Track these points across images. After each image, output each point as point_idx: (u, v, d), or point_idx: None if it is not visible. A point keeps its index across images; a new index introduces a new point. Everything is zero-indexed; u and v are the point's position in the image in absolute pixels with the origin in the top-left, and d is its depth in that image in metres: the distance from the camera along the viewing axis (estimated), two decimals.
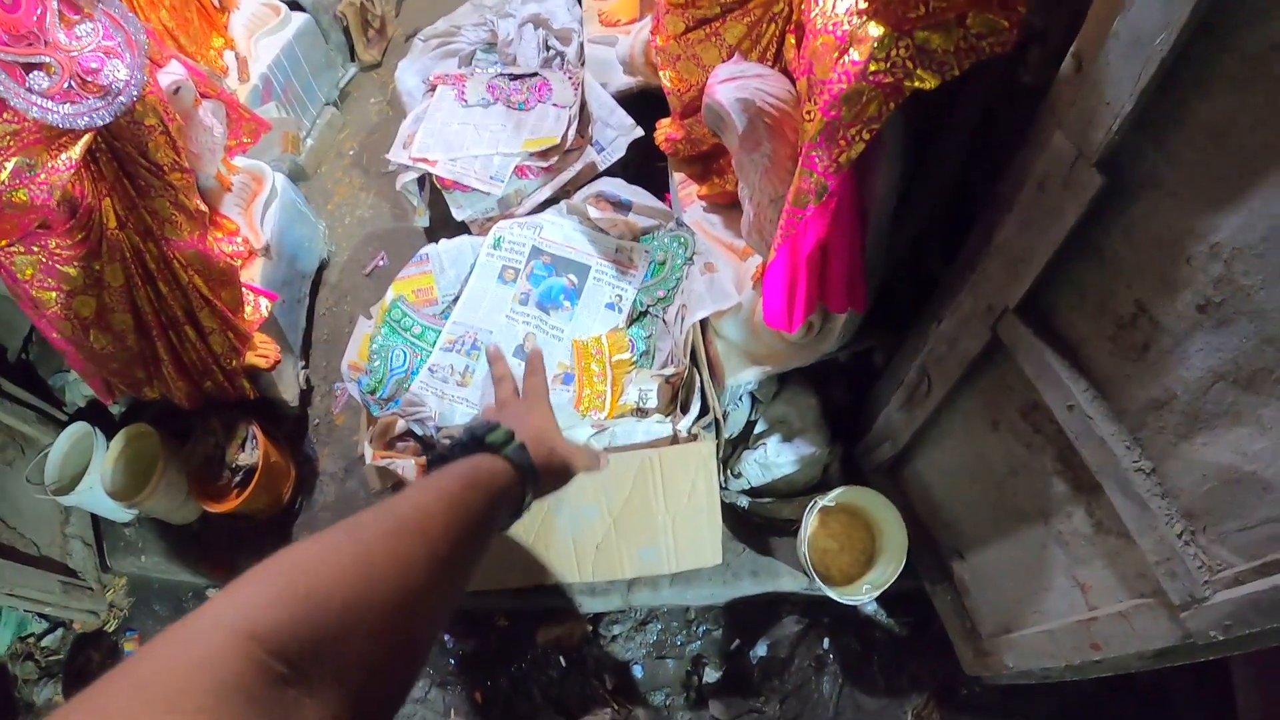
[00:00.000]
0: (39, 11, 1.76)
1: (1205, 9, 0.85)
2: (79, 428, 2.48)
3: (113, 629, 2.64)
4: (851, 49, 1.26)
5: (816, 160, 1.39)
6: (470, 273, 2.27)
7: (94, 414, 2.59)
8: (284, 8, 3.21)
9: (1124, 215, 1.08)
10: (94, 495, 2.36)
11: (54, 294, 1.98)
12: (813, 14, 1.38)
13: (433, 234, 2.65)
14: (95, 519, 2.64)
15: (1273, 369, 0.93)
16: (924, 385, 1.71)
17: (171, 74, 2.18)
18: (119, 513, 2.51)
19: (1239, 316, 0.95)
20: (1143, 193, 1.04)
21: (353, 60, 3.69)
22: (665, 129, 2.29)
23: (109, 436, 2.43)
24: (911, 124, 1.49)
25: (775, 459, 2.08)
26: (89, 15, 1.87)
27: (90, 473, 2.35)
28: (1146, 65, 0.93)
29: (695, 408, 1.96)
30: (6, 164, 1.72)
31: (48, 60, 1.75)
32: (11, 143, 1.72)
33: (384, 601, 0.57)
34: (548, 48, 2.86)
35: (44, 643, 2.61)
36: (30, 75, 1.72)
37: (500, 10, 3.00)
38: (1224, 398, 1.00)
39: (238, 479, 2.36)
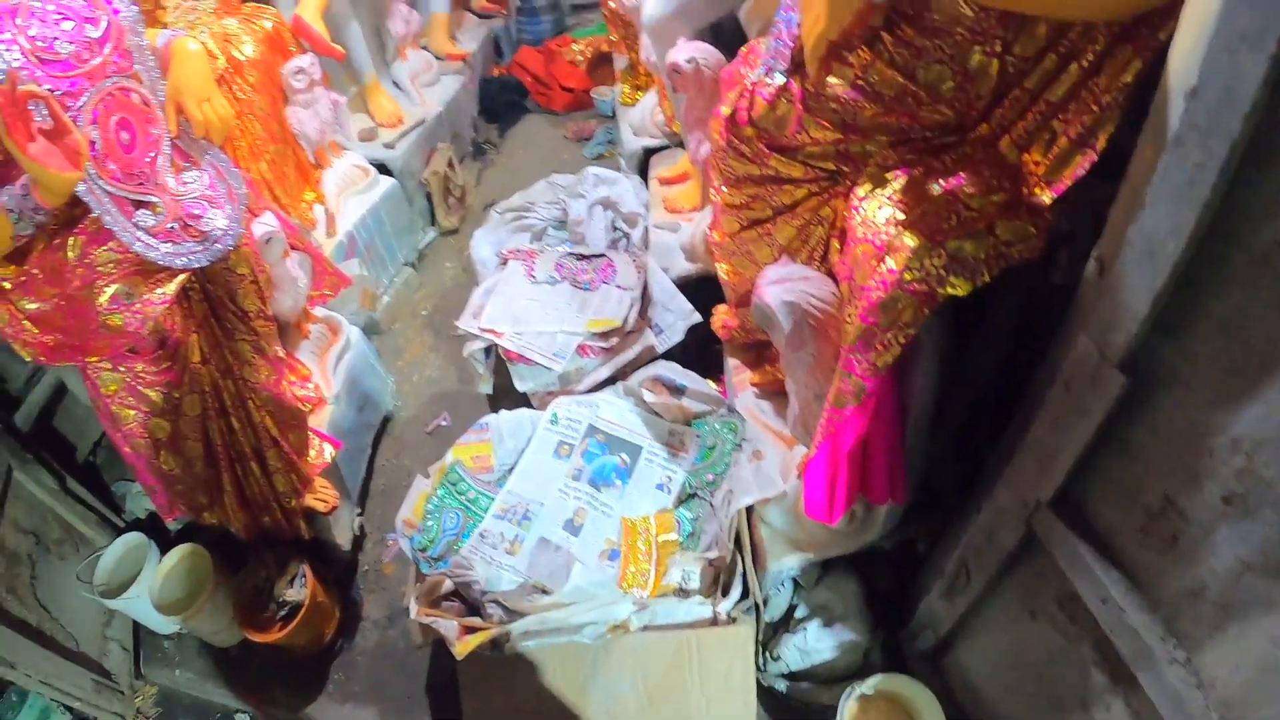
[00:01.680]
0: (152, 155, 1.91)
1: (1213, 213, 0.91)
2: (135, 537, 2.54)
3: None
4: (889, 257, 1.35)
5: (855, 363, 1.46)
6: (527, 445, 2.37)
7: (151, 527, 2.64)
8: (373, 170, 3.45)
9: (1148, 411, 1.12)
10: (140, 604, 2.41)
11: (133, 412, 2.08)
12: (855, 221, 1.48)
13: (495, 401, 2.78)
14: (137, 626, 2.66)
15: None
16: (964, 575, 1.73)
17: (265, 225, 2.34)
18: (162, 625, 2.54)
19: (1263, 507, 0.97)
20: (1164, 389, 1.08)
21: (433, 225, 3.91)
22: (722, 315, 2.40)
23: (163, 551, 2.49)
24: (950, 322, 1.58)
25: (815, 644, 2.09)
26: (197, 164, 2.04)
27: (140, 582, 2.40)
28: (1160, 269, 0.98)
29: (736, 591, 1.99)
30: (107, 289, 1.85)
31: (155, 200, 1.89)
32: (114, 270, 1.85)
33: None
34: (615, 229, 3.04)
35: None
36: (138, 212, 1.87)
37: (573, 190, 3.20)
38: (1254, 587, 1.01)
39: (283, 613, 2.40)
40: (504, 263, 2.92)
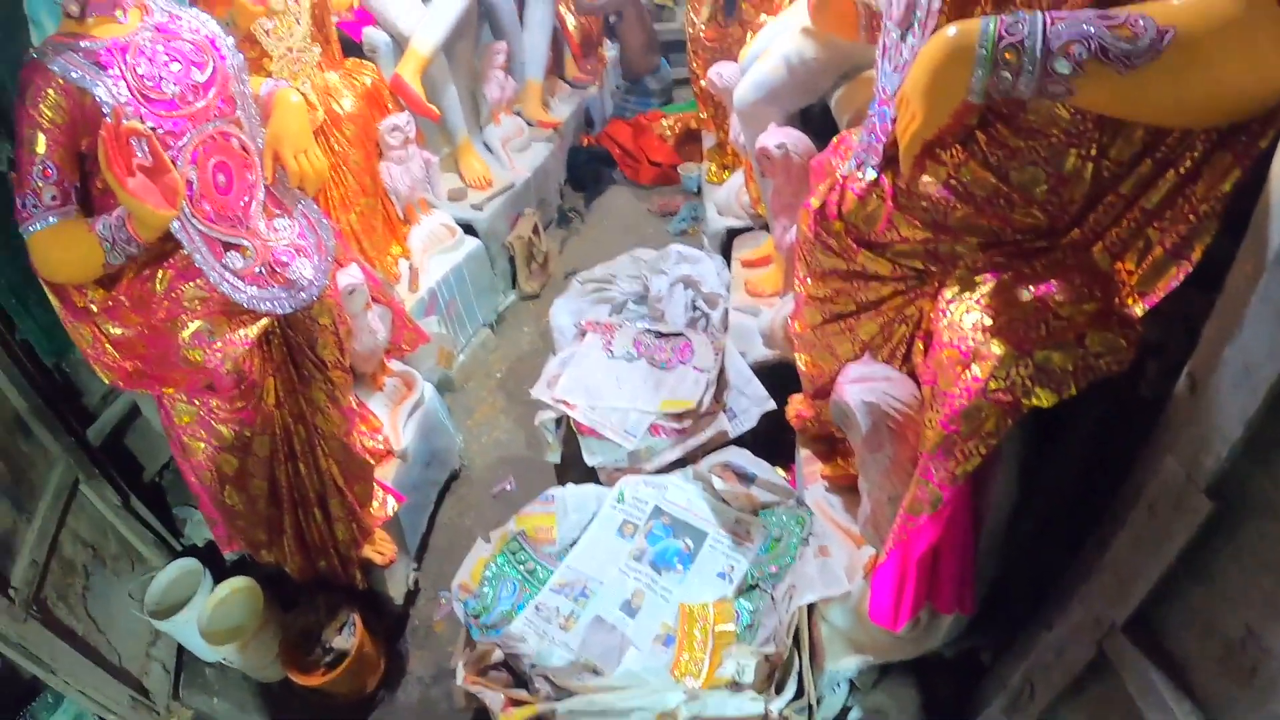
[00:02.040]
0: (247, 199, 1.97)
1: None
2: (190, 563, 2.55)
3: None
4: (974, 365, 1.32)
5: (933, 471, 1.42)
6: (592, 521, 2.35)
7: (207, 555, 2.65)
8: (459, 230, 3.51)
9: (1234, 538, 1.08)
10: (187, 629, 2.41)
11: (203, 445, 2.10)
12: (941, 324, 1.45)
13: (562, 472, 2.77)
14: (180, 649, 2.66)
15: None
16: (1028, 692, 1.65)
17: (350, 276, 2.39)
18: (206, 652, 2.53)
19: None
20: (1252, 517, 1.04)
21: (513, 288, 3.95)
22: (797, 405, 2.37)
23: (216, 579, 2.50)
24: (1031, 431, 1.53)
25: None
26: (289, 213, 2.09)
27: (190, 608, 2.40)
28: (1255, 392, 0.95)
29: (791, 689, 1.93)
30: (190, 324, 1.89)
31: (245, 244, 1.94)
32: (199, 307, 1.90)
33: None
34: (695, 309, 3.04)
35: None
36: (228, 253, 1.92)
37: (655, 266, 3.21)
38: None
39: (328, 658, 2.38)
40: (582, 334, 2.93)
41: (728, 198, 3.56)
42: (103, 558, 2.50)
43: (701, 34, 3.68)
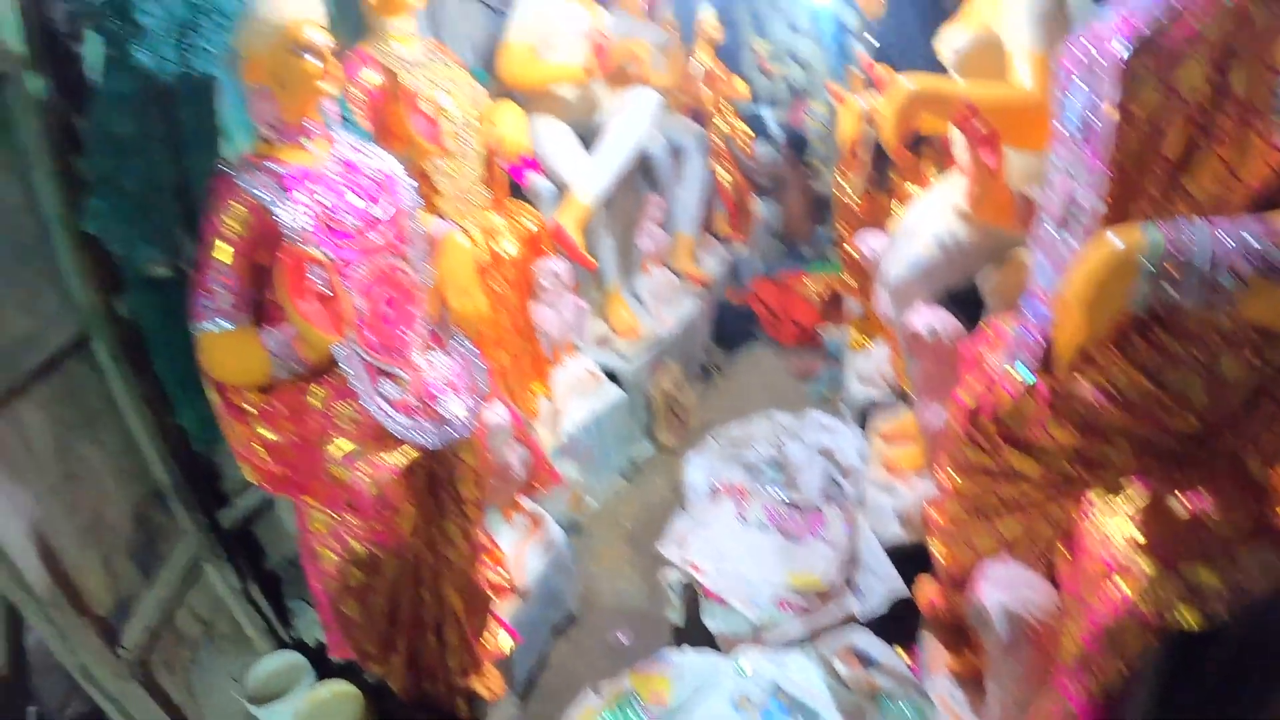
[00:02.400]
0: (407, 332, 2.07)
1: None
2: (295, 656, 2.59)
3: None
4: (1120, 579, 1.28)
5: (1069, 686, 1.37)
6: (707, 690, 2.28)
7: (314, 653, 2.68)
8: (603, 377, 3.59)
9: None
10: None
11: (332, 554, 2.13)
12: (1087, 531, 1.42)
13: (682, 633, 2.73)
14: None
15: None
16: None
17: (496, 414, 2.46)
18: None
19: None
20: None
21: (650, 439, 3.98)
22: (928, 590, 2.28)
23: (319, 678, 2.51)
24: (1172, 648, 1.44)
25: None
26: (446, 350, 2.18)
27: (289, 700, 2.42)
28: None
29: None
30: (341, 443, 1.96)
31: (402, 375, 2.03)
32: (351, 428, 1.97)
33: None
34: (830, 479, 3.00)
35: None
36: (384, 382, 2.00)
37: (793, 432, 3.21)
38: None
39: None
40: (716, 494, 2.92)
41: (870, 368, 3.54)
42: (213, 635, 2.58)
43: (851, 201, 3.76)
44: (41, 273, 2.54)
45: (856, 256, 3.28)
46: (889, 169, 3.62)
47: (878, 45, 3.41)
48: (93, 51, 2.64)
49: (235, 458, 2.06)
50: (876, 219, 3.60)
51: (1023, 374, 1.59)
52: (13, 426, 2.34)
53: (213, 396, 2.02)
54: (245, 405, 2.00)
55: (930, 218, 2.60)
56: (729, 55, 6.41)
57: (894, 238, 2.82)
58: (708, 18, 5.58)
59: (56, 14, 2.80)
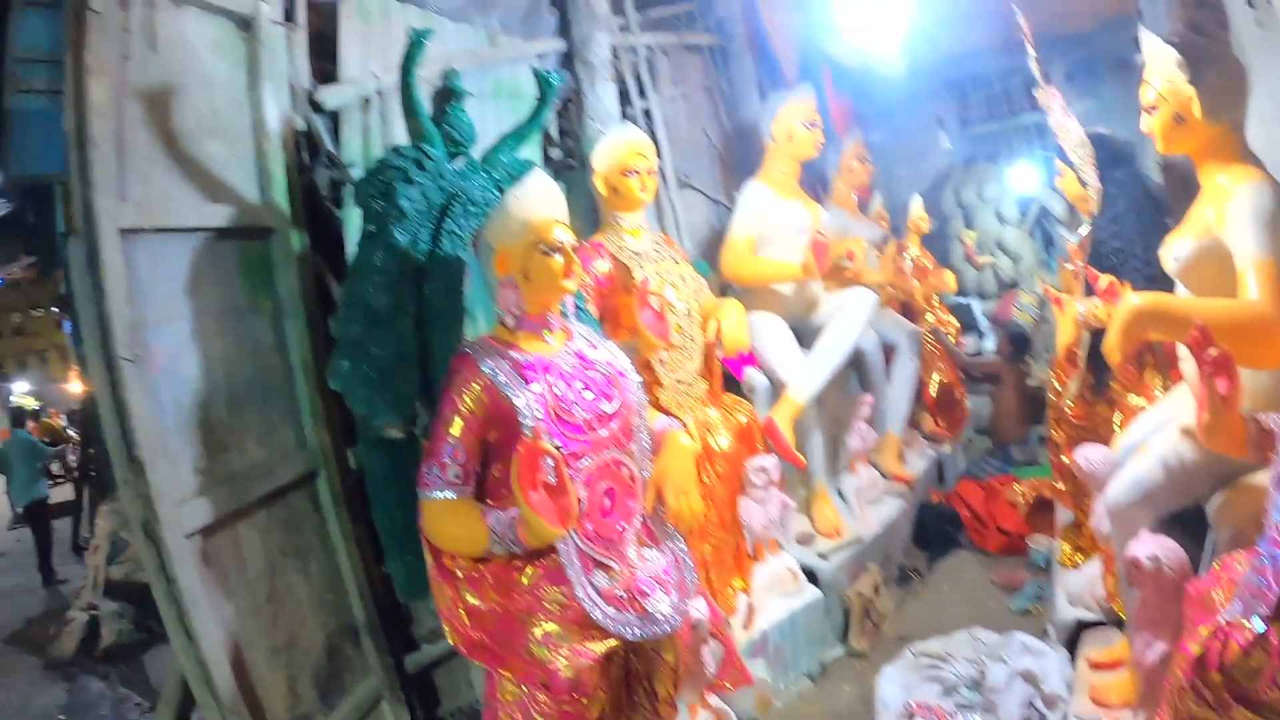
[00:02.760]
0: (624, 525, 2.10)
1: None
2: None
3: None
4: None
5: None
6: None
7: None
8: (802, 576, 3.49)
9: None
10: None
11: None
12: None
13: None
14: None
15: None
16: None
17: (697, 610, 2.40)
18: None
19: None
20: None
21: (842, 643, 3.80)
22: None
23: None
24: None
25: None
26: (659, 545, 2.18)
27: None
28: None
29: None
30: (544, 624, 1.98)
31: (614, 566, 2.05)
32: (556, 611, 1.99)
33: None
34: (1032, 707, 2.79)
35: None
36: (596, 571, 2.02)
37: (995, 652, 3.01)
38: None
39: None
40: (909, 715, 2.77)
41: (1080, 586, 3.29)
42: None
43: (1066, 407, 3.57)
44: (282, 411, 2.80)
45: (1071, 464, 3.10)
46: (1108, 376, 3.45)
47: (1092, 245, 3.30)
48: (352, 221, 2.92)
49: (440, 618, 2.12)
50: (1093, 426, 3.42)
51: (1255, 624, 1.50)
52: (232, 544, 2.55)
53: (428, 557, 2.10)
54: (457, 570, 2.07)
55: (1155, 436, 2.46)
56: (937, 246, 6.43)
57: (1115, 454, 2.69)
58: (916, 209, 5.62)
59: (321, 180, 3.15)
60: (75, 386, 14.33)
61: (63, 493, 10.14)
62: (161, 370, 2.51)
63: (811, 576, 3.58)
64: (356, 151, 3.27)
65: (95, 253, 2.34)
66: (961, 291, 6.76)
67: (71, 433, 13.04)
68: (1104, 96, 6.34)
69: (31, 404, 18.97)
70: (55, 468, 12.23)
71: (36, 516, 8.03)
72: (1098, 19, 6.03)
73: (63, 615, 5.74)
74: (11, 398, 24.90)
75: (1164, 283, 2.53)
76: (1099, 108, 6.10)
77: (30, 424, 9.66)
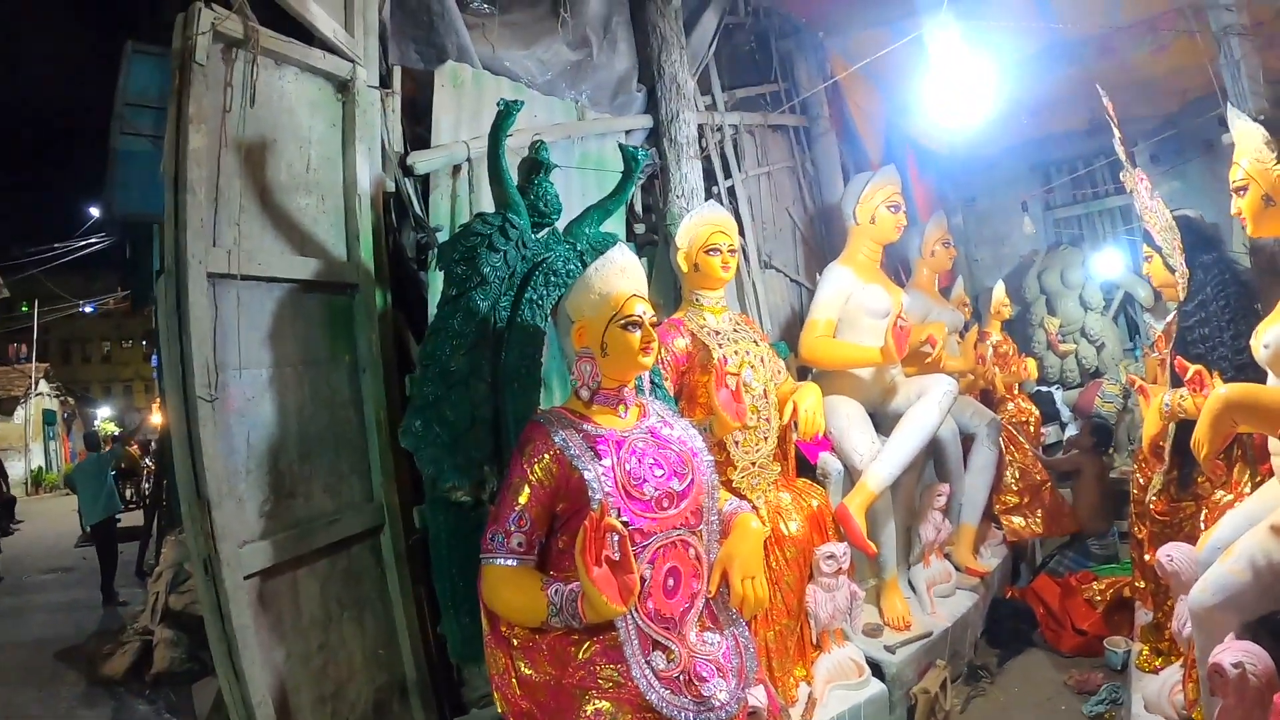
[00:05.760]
0: (686, 606, 2.04)
1: None
2: None
3: None
4: None
5: None
6: None
7: None
8: (867, 669, 3.36)
9: None
10: None
11: None
12: None
13: None
14: None
15: None
16: None
17: (755, 699, 2.31)
18: None
19: None
20: None
21: None
22: None
23: None
24: None
25: None
26: (720, 630, 2.11)
27: None
28: None
29: None
30: (596, 701, 1.92)
31: (673, 648, 1.98)
32: (610, 689, 1.93)
33: None
34: None
35: None
36: (654, 652, 1.97)
37: None
38: None
39: None
40: None
41: (1159, 692, 3.12)
42: None
43: (1149, 502, 3.42)
44: (352, 464, 2.84)
45: (1153, 563, 2.98)
46: (1195, 470, 3.30)
47: (1179, 333, 3.18)
48: (435, 283, 2.96)
49: (490, 684, 2.09)
50: (1177, 523, 3.28)
51: None
52: (290, 589, 2.57)
53: (484, 622, 2.09)
54: (513, 639, 2.04)
55: (1243, 534, 2.37)
56: (1018, 332, 6.32)
57: (1200, 553, 2.59)
58: (999, 294, 5.53)
59: (407, 241, 3.21)
60: (156, 418, 14.73)
61: (134, 518, 10.41)
62: (237, 413, 2.57)
63: (876, 670, 3.45)
64: (443, 215, 3.34)
65: (183, 293, 2.42)
66: (1043, 380, 6.61)
67: (148, 461, 13.39)
68: (1189, 178, 6.26)
69: (111, 429, 19.59)
70: (129, 493, 12.59)
71: (102, 537, 8.23)
72: (1182, 98, 5.99)
73: (118, 636, 5.83)
74: (95, 422, 25.76)
75: (1254, 372, 2.46)
76: (1184, 189, 6.02)
77: (108, 449, 9.93)
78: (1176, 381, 2.92)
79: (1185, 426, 2.83)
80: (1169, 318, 3.35)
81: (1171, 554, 2.84)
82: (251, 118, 2.72)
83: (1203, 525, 2.90)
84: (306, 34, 2.94)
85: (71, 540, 11.26)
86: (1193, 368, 2.71)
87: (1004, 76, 4.49)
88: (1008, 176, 7.53)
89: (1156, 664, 3.40)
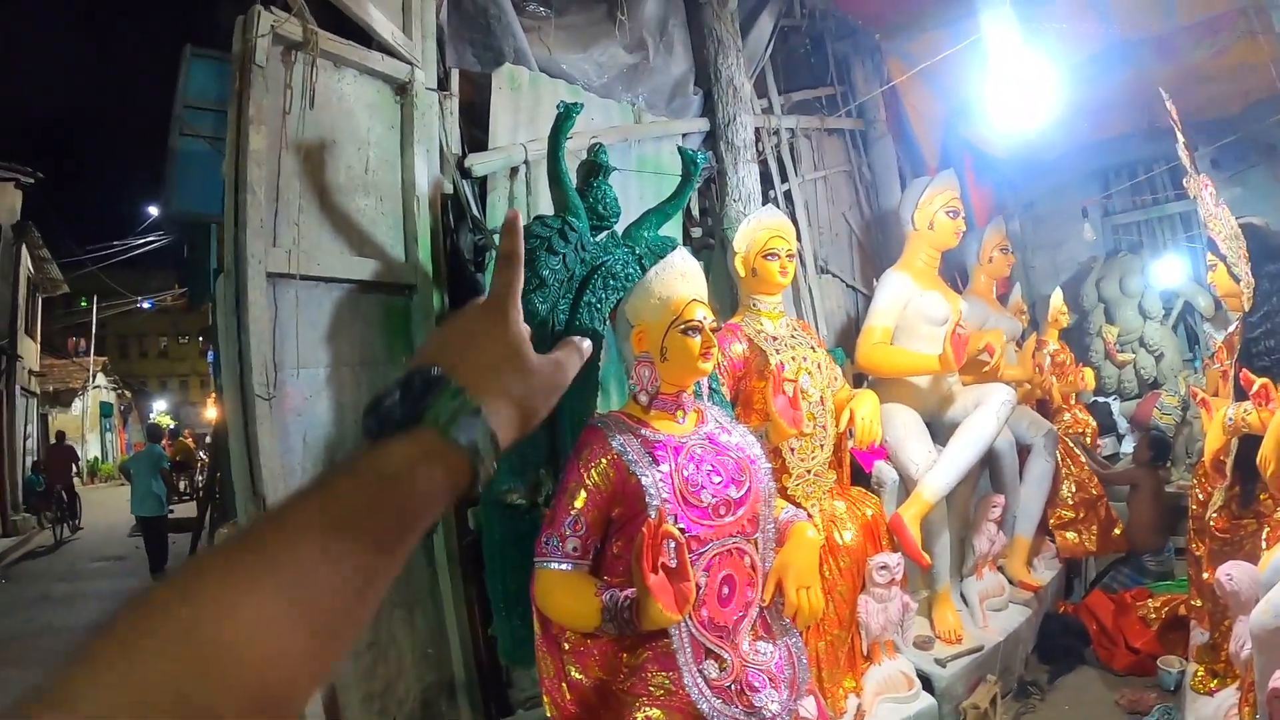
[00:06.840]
0: (740, 615, 2.02)
1: None
2: None
3: None
4: None
5: None
6: None
7: None
8: (917, 683, 3.32)
9: None
10: None
11: None
12: None
13: None
14: None
15: None
16: None
17: (805, 710, 2.28)
18: None
19: None
20: None
21: None
22: None
23: None
24: None
25: None
26: (774, 639, 2.09)
27: None
28: None
29: None
30: (647, 709, 1.92)
31: (726, 657, 1.96)
32: (660, 696, 1.92)
33: None
34: None
35: None
36: (706, 660, 1.95)
37: None
38: None
39: None
40: None
41: (1214, 715, 3.06)
42: None
43: (1209, 519, 3.34)
44: None
45: (1211, 581, 2.90)
46: (1257, 487, 3.21)
47: (1242, 344, 3.09)
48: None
49: (540, 688, 2.09)
50: (1238, 541, 3.19)
51: None
52: None
53: (536, 626, 2.08)
54: (564, 643, 2.04)
55: None
56: (1076, 341, 6.20)
57: (1262, 573, 2.55)
58: (1057, 302, 5.43)
59: (465, 243, 3.22)
60: (211, 412, 14.99)
61: (188, 509, 10.60)
62: (293, 411, 2.59)
63: (926, 683, 3.40)
64: (501, 218, 3.34)
65: (242, 293, 2.45)
66: (1100, 390, 6.48)
67: (202, 455, 13.63)
68: (1251, 183, 6.11)
69: (168, 422, 19.97)
70: (183, 485, 12.82)
71: (152, 528, 8.39)
72: (1244, 101, 5.82)
73: None
74: (151, 415, 26.30)
75: None
76: (1245, 195, 5.86)
77: (165, 442, 10.14)
78: (1240, 394, 2.85)
79: (1248, 441, 2.76)
80: (1231, 328, 3.26)
81: (1231, 573, 2.75)
82: (311, 119, 2.76)
83: (1265, 544, 2.83)
84: (365, 37, 2.97)
85: (125, 530, 11.50)
86: (1259, 381, 2.64)
87: (1062, 79, 4.40)
88: (1065, 181, 7.39)
89: (1212, 685, 3.32)
